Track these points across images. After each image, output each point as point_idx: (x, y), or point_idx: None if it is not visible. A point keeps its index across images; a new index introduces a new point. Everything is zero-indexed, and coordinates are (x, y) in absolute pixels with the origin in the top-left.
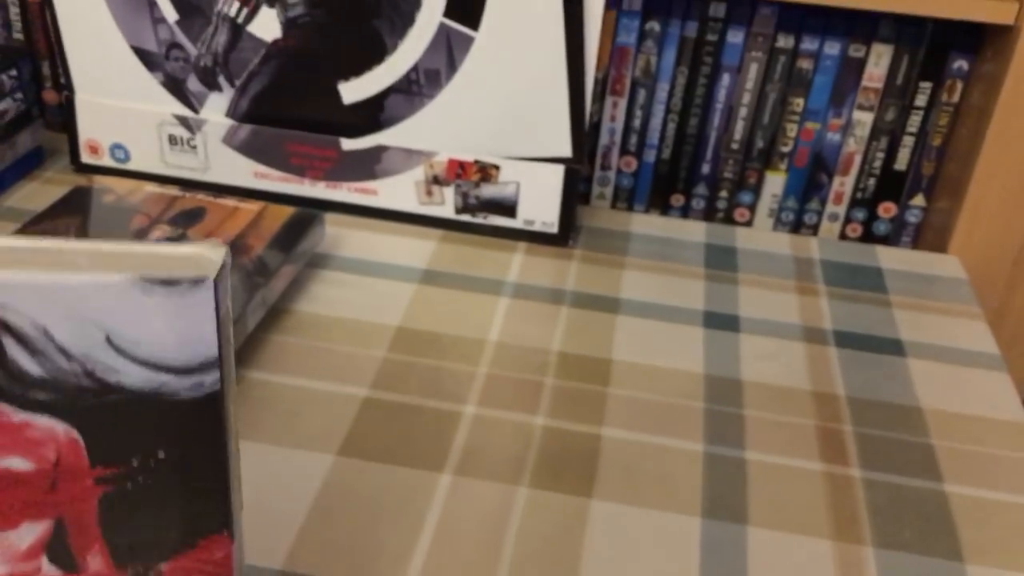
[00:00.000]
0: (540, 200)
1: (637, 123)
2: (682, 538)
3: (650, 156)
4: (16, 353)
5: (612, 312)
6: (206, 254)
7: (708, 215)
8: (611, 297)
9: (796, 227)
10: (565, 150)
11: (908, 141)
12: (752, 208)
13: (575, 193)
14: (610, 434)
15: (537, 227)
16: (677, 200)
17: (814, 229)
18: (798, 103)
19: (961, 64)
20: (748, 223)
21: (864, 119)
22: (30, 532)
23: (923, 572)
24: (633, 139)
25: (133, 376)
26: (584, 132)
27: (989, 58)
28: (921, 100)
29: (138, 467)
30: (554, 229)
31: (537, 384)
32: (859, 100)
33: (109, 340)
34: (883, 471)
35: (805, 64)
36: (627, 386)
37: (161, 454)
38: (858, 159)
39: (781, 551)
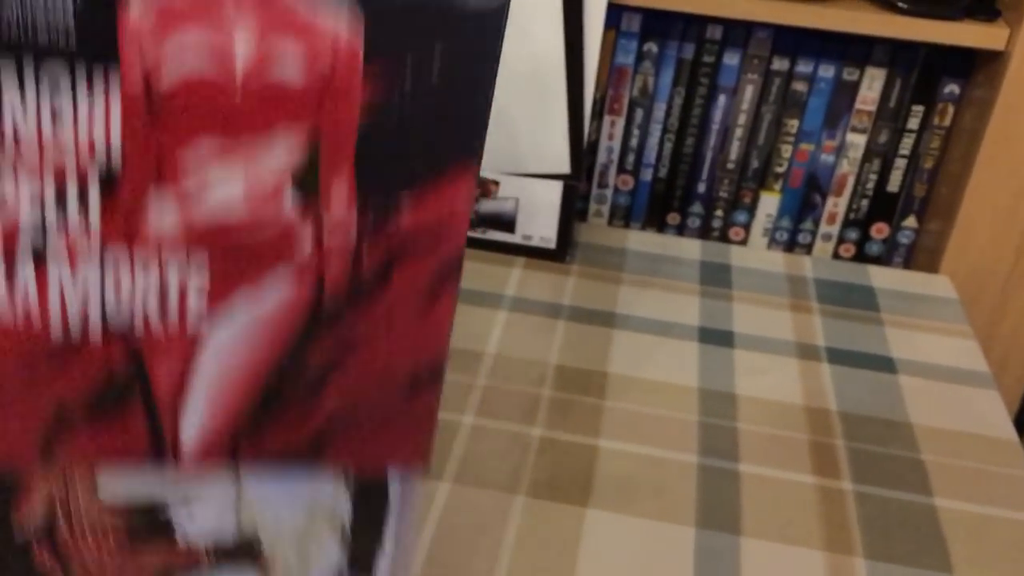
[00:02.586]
0: (538, 216)
1: (634, 142)
2: (677, 548)
3: (647, 175)
4: None
5: (608, 326)
6: None
7: (704, 234)
8: (607, 312)
9: (790, 247)
10: (564, 167)
11: (900, 163)
12: (747, 227)
13: (573, 209)
14: (606, 446)
15: (535, 242)
16: (673, 219)
17: (808, 249)
18: (793, 124)
19: (953, 88)
20: (743, 242)
21: (857, 141)
22: (282, 152)
23: None
24: (630, 158)
25: None
26: (582, 149)
27: (980, 83)
28: (913, 123)
29: (409, 85)
30: (552, 245)
31: (534, 396)
32: (853, 122)
33: None
34: (874, 485)
35: (800, 86)
36: (623, 399)
37: (435, 67)
38: (851, 180)
39: (774, 562)
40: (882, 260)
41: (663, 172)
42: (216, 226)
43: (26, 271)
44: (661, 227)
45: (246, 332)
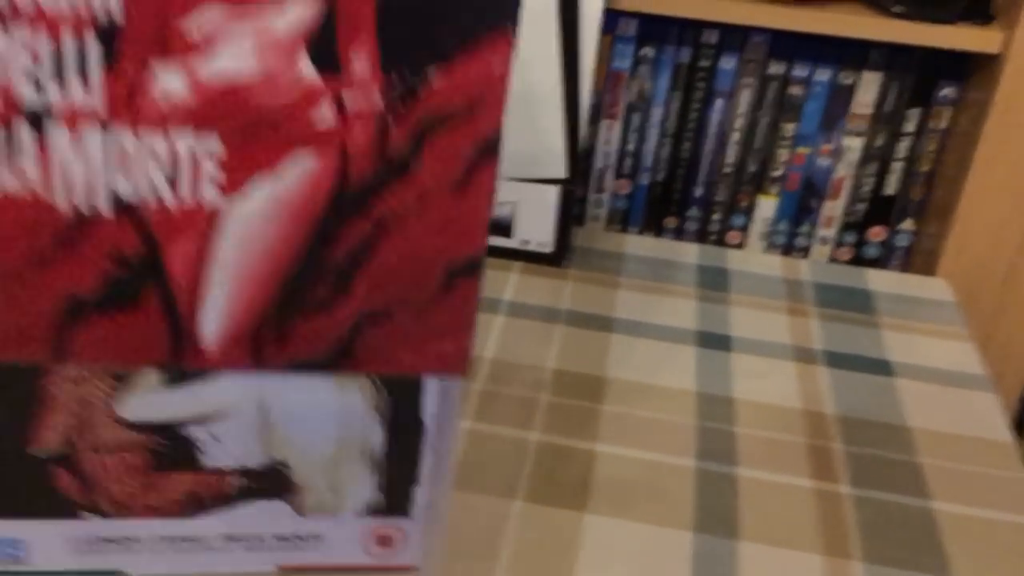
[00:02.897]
0: (536, 220)
1: (631, 146)
2: (674, 552)
3: (644, 179)
4: None
5: (606, 331)
6: None
7: (701, 237)
8: (605, 316)
9: (787, 250)
10: (560, 171)
11: (897, 166)
12: (744, 231)
13: (570, 214)
14: (604, 450)
15: (532, 247)
16: (670, 222)
17: (805, 252)
18: (789, 128)
19: (948, 91)
20: (740, 245)
21: (854, 145)
22: (294, 12)
23: None
24: (627, 162)
25: None
26: (579, 154)
27: (976, 86)
28: (910, 126)
29: None
30: (549, 249)
31: (532, 400)
32: (849, 126)
33: None
34: (872, 488)
35: (796, 90)
36: (620, 403)
37: None
38: (848, 184)
39: (772, 566)
40: (879, 263)
41: (660, 176)
42: (227, 90)
43: (25, 137)
44: (658, 231)
45: (266, 211)
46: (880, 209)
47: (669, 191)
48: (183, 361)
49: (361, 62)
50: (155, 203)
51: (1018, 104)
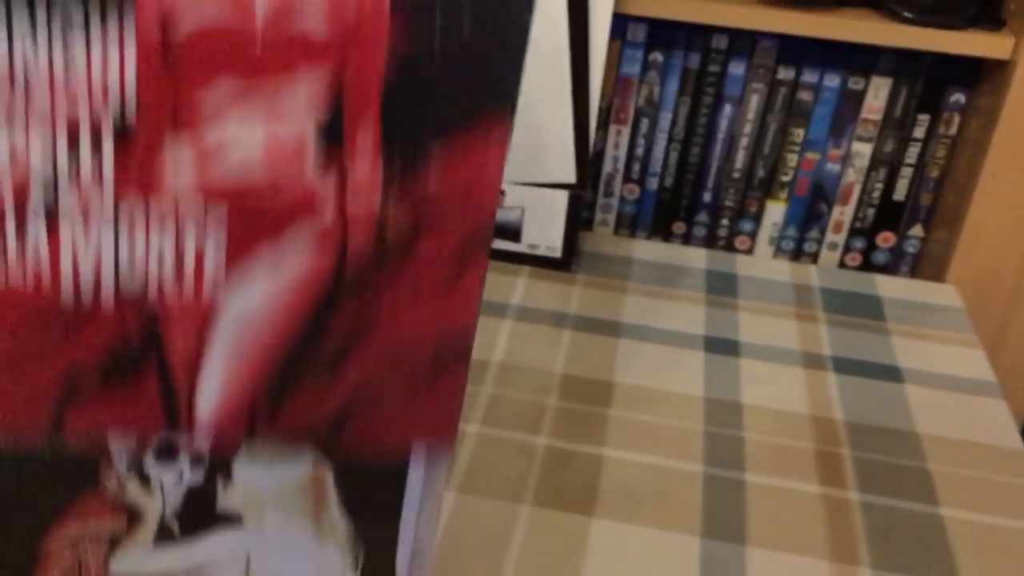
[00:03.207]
0: (544, 225)
1: (640, 151)
2: (682, 557)
3: (652, 184)
4: None
5: (614, 336)
6: None
7: (709, 243)
8: (613, 321)
9: (796, 255)
10: (569, 176)
11: (906, 172)
12: (753, 236)
13: (579, 219)
14: (611, 455)
15: (541, 251)
16: (679, 227)
17: (814, 258)
18: (798, 134)
19: (959, 97)
20: (749, 251)
21: (863, 150)
22: (304, 104)
23: None
24: (636, 167)
25: None
26: (588, 159)
27: (986, 92)
28: (919, 132)
29: (438, 37)
30: (558, 254)
31: (540, 405)
32: (858, 131)
33: None
34: (881, 494)
35: (805, 96)
36: (628, 408)
37: (466, 17)
38: (857, 189)
39: (780, 571)
40: (888, 269)
41: (669, 181)
42: (235, 186)
43: (38, 229)
44: (667, 236)
45: (265, 300)
46: (889, 215)
47: (678, 196)
48: (178, 433)
49: (364, 151)
50: (158, 292)
51: None
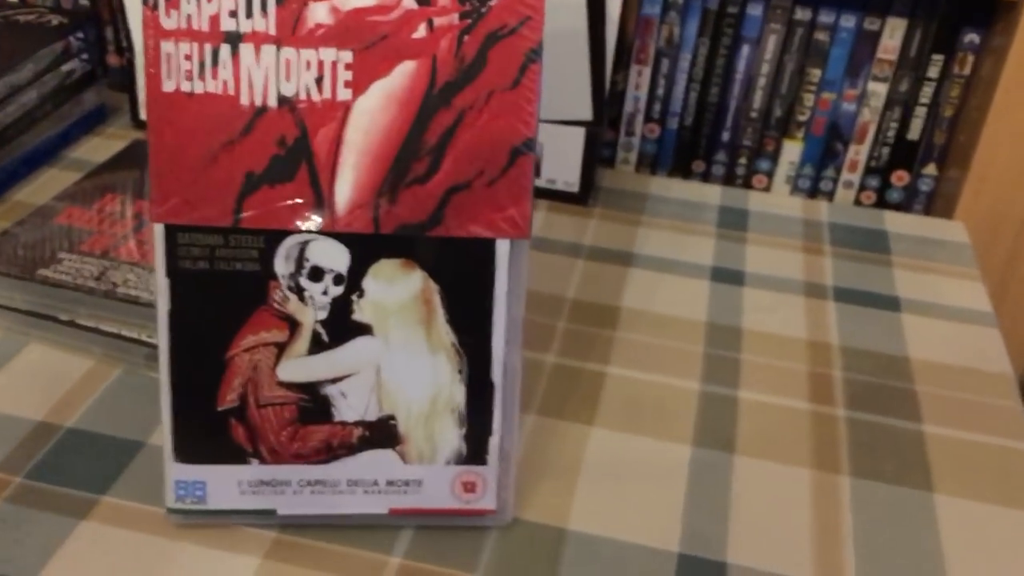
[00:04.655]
0: (562, 161)
1: (661, 91)
2: (673, 461)
3: (673, 123)
4: None
5: (625, 265)
6: None
7: (728, 181)
8: (625, 252)
9: (812, 194)
10: (586, 114)
11: (921, 112)
12: (770, 175)
13: (595, 155)
14: (614, 372)
15: (559, 186)
16: (698, 166)
17: (829, 196)
18: (815, 74)
19: (972, 37)
20: (766, 189)
21: (879, 90)
22: None
23: (894, 500)
24: (657, 107)
25: None
26: (604, 97)
27: (999, 32)
28: (934, 72)
29: None
30: (575, 189)
31: (550, 327)
32: (874, 71)
33: None
34: (866, 411)
35: (822, 36)
36: (633, 331)
37: None
38: (872, 128)
39: (763, 477)
40: (902, 207)
41: (688, 121)
42: (357, 17)
43: (225, 57)
44: (686, 174)
45: (381, 104)
46: (904, 154)
47: (697, 135)
48: (322, 221)
49: None
50: (306, 100)
51: None
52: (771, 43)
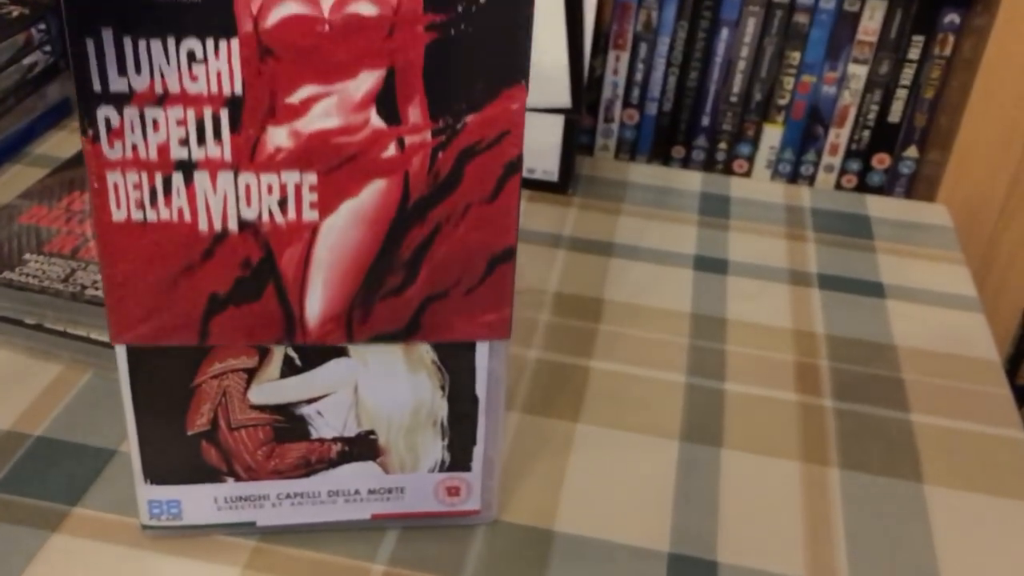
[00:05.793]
0: (541, 149)
1: (639, 76)
2: (660, 458)
3: (651, 109)
4: None
5: (607, 255)
6: None
7: (708, 166)
8: (606, 242)
9: (793, 178)
10: (565, 101)
11: (901, 94)
12: (750, 159)
13: (574, 143)
14: (598, 366)
15: (538, 175)
16: (678, 152)
17: (811, 180)
18: (795, 57)
19: (953, 18)
20: (746, 174)
21: (859, 72)
22: (365, 81)
23: (884, 491)
24: (635, 92)
25: None
26: (583, 84)
27: (979, 12)
28: (914, 53)
29: (462, 13)
30: (554, 177)
31: (532, 321)
32: (854, 54)
33: None
34: (854, 401)
35: (801, 18)
36: (616, 323)
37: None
38: (853, 111)
39: (752, 470)
40: (884, 190)
41: (667, 106)
42: (320, 140)
43: (179, 184)
44: (666, 160)
45: (350, 223)
46: (885, 136)
47: (676, 121)
48: (293, 338)
49: (415, 112)
50: (270, 222)
51: (1018, 31)
52: (750, 26)
